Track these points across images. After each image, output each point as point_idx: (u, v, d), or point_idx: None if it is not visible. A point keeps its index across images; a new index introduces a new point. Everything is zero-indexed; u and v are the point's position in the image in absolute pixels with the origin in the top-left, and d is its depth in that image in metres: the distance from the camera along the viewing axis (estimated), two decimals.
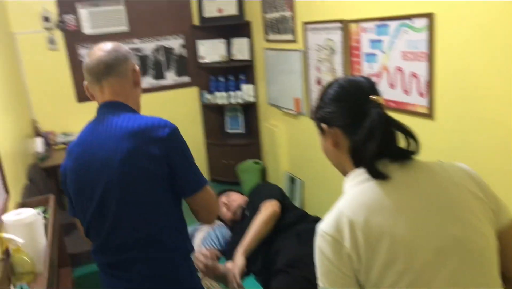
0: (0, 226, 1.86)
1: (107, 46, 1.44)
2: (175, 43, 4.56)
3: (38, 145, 3.66)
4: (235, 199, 2.55)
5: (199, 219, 1.48)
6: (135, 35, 4.38)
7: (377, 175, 1.00)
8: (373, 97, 1.04)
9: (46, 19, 3.98)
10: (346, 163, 1.10)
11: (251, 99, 4.58)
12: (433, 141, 2.21)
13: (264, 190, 2.43)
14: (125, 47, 1.49)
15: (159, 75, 4.55)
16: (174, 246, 1.42)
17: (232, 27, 4.55)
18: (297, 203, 3.94)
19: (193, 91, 4.71)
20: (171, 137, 1.35)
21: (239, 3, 4.44)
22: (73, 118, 4.14)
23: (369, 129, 1.00)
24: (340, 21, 2.90)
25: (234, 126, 4.90)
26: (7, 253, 1.81)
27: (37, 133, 3.88)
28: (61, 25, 4.05)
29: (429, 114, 2.26)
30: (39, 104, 4.06)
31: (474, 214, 0.99)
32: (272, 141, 4.23)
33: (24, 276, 1.78)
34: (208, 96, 4.68)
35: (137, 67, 1.48)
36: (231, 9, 4.48)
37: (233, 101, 4.61)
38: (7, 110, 2.87)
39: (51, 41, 4.03)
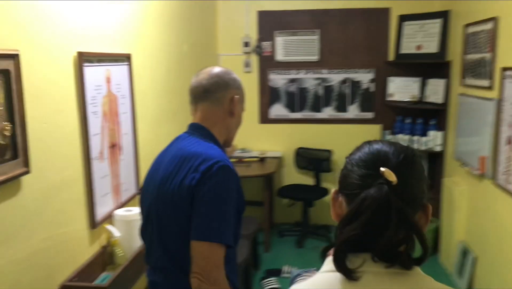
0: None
1: (213, 70, 1.41)
2: (364, 77, 4.38)
3: None
4: None
5: (191, 272, 1.22)
6: (324, 65, 4.40)
7: (340, 268, 0.77)
8: (383, 169, 0.77)
9: (246, 44, 4.37)
10: None
11: (438, 148, 4.01)
12: None
13: None
14: (233, 75, 1.43)
15: (341, 108, 4.43)
16: None
17: (428, 66, 4.10)
18: (464, 280, 3.26)
19: (375, 129, 4.42)
20: (209, 172, 1.23)
21: (442, 40, 3.96)
22: (253, 137, 4.42)
23: (357, 207, 0.76)
24: None
25: None
26: (109, 242, 2.02)
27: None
28: (258, 50, 4.39)
29: None
30: None
31: None
32: (451, 201, 3.60)
33: (117, 267, 1.94)
34: (390, 136, 4.31)
35: (236, 97, 1.40)
36: (431, 47, 4.04)
37: (416, 146, 4.13)
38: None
39: (247, 64, 4.40)
